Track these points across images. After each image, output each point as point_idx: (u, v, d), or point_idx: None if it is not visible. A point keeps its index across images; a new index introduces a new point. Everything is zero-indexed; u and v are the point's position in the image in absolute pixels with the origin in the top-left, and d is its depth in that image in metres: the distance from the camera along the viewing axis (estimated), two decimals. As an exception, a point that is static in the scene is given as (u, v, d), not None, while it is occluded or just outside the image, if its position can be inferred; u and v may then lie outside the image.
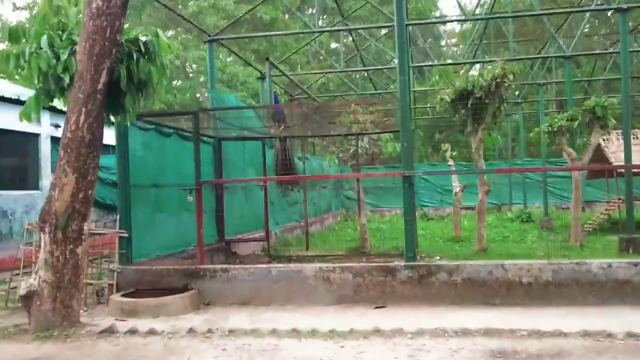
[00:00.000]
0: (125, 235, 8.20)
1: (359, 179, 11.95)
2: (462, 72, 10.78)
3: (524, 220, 20.01)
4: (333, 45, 33.38)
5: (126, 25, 6.87)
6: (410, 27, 23.52)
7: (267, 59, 8.95)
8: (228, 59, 23.90)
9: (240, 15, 13.79)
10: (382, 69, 21.93)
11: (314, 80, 21.56)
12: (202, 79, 23.25)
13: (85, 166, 6.47)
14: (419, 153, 27.90)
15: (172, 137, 9.81)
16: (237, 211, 12.55)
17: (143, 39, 6.74)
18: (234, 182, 11.60)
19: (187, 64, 24.52)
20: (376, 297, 7.48)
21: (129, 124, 7.53)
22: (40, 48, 6.32)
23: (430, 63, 21.46)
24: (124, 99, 6.74)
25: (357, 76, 25.87)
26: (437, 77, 27.53)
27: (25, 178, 13.46)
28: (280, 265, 7.85)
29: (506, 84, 10.23)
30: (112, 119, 7.28)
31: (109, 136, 8.48)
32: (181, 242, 10.07)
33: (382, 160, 13.58)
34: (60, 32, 6.55)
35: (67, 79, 6.34)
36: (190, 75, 24.61)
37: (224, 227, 11.50)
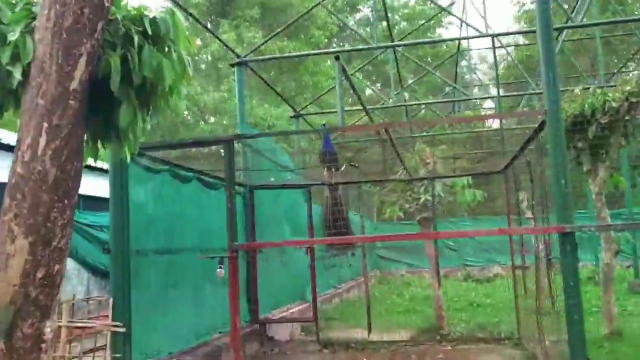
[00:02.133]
0: (122, 329, 5.42)
1: (435, 239, 9.11)
2: (575, 91, 8.12)
3: (598, 282, 16.86)
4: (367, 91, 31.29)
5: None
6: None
7: (337, 57, 6.45)
8: (253, 101, 21.61)
9: (269, 37, 11.46)
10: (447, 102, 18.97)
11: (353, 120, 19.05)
12: (223, 123, 20.96)
13: (47, 224, 3.74)
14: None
15: (192, 182, 7.16)
16: (270, 279, 9.76)
17: (150, 15, 4.17)
18: (282, 245, 8.81)
19: (205, 110, 22.26)
20: None
21: (128, 159, 4.80)
22: (-23, 26, 3.77)
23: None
24: (117, 111, 4.10)
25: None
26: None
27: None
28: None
29: (643, 105, 7.58)
30: (100, 148, 4.61)
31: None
32: (203, 329, 7.26)
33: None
34: (13, 3, 4.01)
35: (18, 74, 3.75)
36: (211, 120, 22.33)
37: (257, 304, 8.68)
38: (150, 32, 4.16)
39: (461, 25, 28.54)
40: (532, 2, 34.31)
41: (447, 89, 33.32)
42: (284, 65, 23.19)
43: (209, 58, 24.52)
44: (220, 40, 9.89)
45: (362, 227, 10.50)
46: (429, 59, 31.75)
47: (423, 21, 24.96)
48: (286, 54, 16.72)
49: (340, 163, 8.60)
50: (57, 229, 3.81)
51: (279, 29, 12.23)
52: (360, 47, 10.52)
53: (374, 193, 9.87)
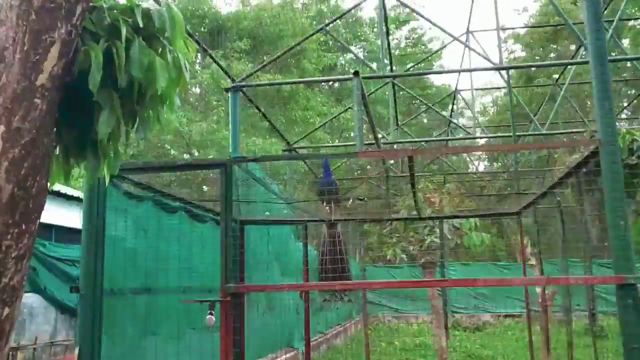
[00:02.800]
0: (87, 386, 4.53)
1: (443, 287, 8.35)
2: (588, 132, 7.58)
3: (598, 334, 16.20)
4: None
5: None
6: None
7: (356, 73, 5.81)
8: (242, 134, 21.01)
9: (262, 65, 10.96)
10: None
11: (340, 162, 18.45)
12: (209, 157, 20.30)
13: (-2, 255, 2.94)
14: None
15: (179, 214, 6.36)
16: (254, 324, 8.88)
17: (144, 5, 3.47)
18: (281, 289, 7.87)
19: (190, 142, 21.54)
20: None
21: (106, 181, 4.00)
22: None
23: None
24: (96, 118, 3.35)
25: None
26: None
27: None
28: None
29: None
30: (74, 166, 3.82)
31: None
32: (183, 383, 6.34)
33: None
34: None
35: (-28, 66, 2.99)
36: (196, 154, 21.63)
37: (244, 354, 7.77)
38: (141, 26, 3.45)
39: (463, 57, 28.78)
40: (522, 50, 34.62)
41: (434, 133, 33.13)
42: (274, 99, 22.75)
43: (197, 90, 24.04)
44: (215, 61, 9.28)
45: (362, 271, 9.71)
46: (419, 101, 31.86)
47: (413, 63, 24.84)
48: (284, 81, 16.20)
49: (340, 196, 7.88)
50: (9, 261, 3.01)
51: (272, 57, 11.79)
52: (369, 75, 10.00)
53: (372, 233, 9.22)
